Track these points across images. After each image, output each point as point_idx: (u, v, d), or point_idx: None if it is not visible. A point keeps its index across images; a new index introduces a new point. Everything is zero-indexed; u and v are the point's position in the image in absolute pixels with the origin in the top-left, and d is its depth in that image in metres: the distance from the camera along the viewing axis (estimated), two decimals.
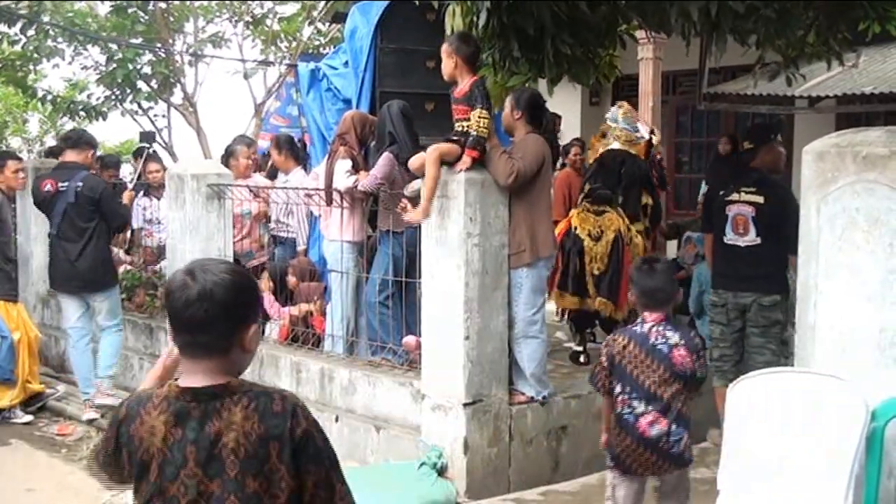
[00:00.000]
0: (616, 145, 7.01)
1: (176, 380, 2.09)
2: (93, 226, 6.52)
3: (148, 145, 8.55)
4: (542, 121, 5.41)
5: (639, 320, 3.92)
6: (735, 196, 5.48)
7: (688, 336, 3.84)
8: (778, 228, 5.25)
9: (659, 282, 3.87)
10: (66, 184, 6.47)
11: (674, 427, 3.79)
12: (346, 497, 2.09)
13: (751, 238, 5.41)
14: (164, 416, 2.01)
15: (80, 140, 6.79)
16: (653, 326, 3.82)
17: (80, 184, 6.46)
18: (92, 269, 6.55)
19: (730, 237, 5.50)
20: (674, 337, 3.80)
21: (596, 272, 6.34)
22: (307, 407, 2.09)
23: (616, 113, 7.19)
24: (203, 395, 2.01)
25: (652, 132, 7.42)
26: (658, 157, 7.95)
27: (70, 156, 6.68)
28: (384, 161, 5.85)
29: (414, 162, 5.21)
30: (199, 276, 2.02)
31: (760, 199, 5.39)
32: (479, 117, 4.93)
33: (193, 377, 2.04)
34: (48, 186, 6.57)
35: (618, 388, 3.83)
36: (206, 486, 1.98)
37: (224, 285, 2.01)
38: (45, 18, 13.20)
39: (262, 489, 1.98)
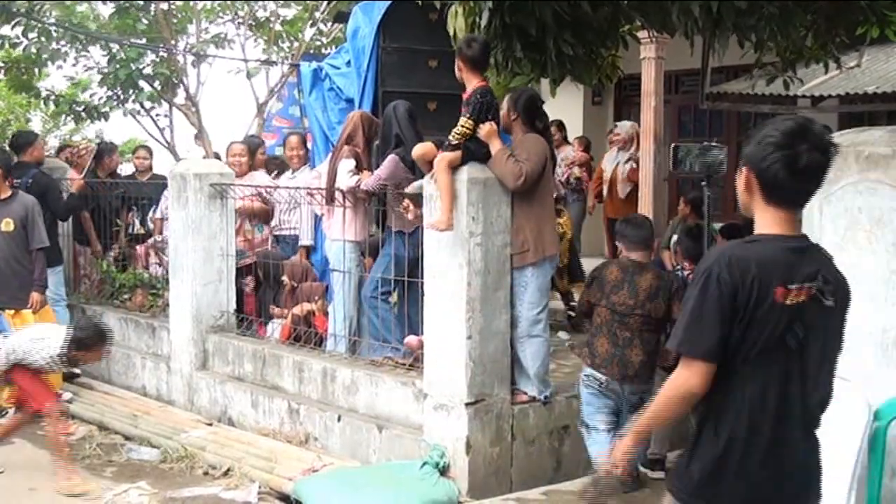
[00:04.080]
0: None
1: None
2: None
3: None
4: (537, 121, 5.36)
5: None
6: None
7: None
8: None
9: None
10: (19, 180, 7.66)
11: None
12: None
13: None
14: (617, 270, 4.83)
15: (26, 143, 8.24)
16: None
17: (31, 180, 7.77)
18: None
19: None
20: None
21: (561, 265, 7.09)
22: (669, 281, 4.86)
23: None
24: (634, 264, 4.83)
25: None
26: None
27: (23, 157, 8.07)
28: (389, 162, 5.84)
29: (417, 151, 5.32)
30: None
31: None
32: (461, 125, 4.99)
33: (632, 256, 4.82)
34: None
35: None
36: (630, 304, 4.74)
37: (643, 220, 5.06)
38: (46, 19, 13.20)
39: (654, 309, 4.73)
